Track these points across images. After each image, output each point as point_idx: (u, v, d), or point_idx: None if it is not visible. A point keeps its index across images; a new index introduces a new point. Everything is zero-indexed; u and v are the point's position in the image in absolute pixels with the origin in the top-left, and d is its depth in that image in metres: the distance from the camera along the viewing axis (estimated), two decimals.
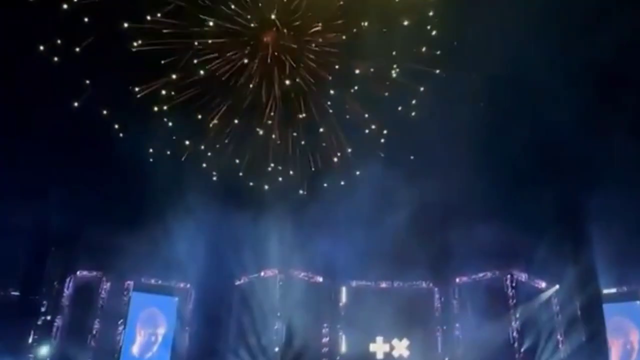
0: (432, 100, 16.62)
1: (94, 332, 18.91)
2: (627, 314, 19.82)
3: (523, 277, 20.18)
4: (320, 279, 20.32)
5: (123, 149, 16.46)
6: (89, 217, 17.67)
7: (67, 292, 19.28)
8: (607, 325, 19.04)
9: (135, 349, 19.74)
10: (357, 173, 17.70)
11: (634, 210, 17.43)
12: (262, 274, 19.86)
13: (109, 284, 19.67)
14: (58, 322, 18.82)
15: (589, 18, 14.64)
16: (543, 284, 20.34)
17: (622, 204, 17.25)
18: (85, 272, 19.67)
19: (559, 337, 19.32)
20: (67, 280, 19.32)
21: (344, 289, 20.57)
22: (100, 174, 16.97)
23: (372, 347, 19.86)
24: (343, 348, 19.82)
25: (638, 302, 20.14)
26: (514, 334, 18.95)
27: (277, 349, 18.75)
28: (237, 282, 20.35)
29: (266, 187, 17.52)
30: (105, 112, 15.56)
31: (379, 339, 19.93)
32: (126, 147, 16.43)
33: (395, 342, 19.98)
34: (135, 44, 14.10)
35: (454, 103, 16.69)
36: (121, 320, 19.43)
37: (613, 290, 20.05)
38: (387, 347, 19.91)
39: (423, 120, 17.48)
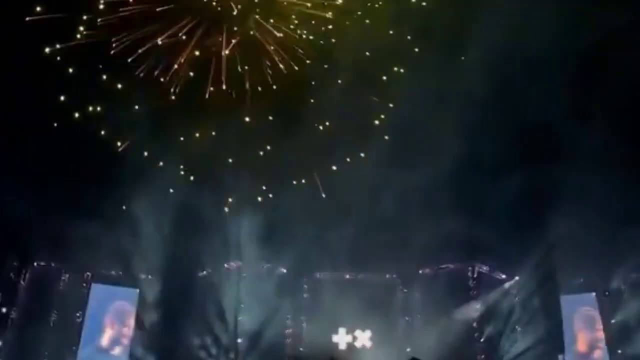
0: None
1: (51, 324, 18.52)
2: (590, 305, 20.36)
3: (485, 268, 20.45)
4: (284, 271, 20.22)
5: (82, 137, 16.18)
6: (46, 207, 17.02)
7: (23, 283, 18.79)
8: (575, 315, 19.71)
9: (104, 341, 19.47)
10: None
11: (593, 204, 17.30)
12: (226, 265, 19.67)
13: (67, 275, 19.27)
14: (13, 314, 18.29)
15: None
16: (504, 276, 20.60)
17: (583, 198, 17.36)
18: (42, 263, 19.23)
19: (517, 327, 19.62)
20: (23, 271, 18.84)
21: (307, 281, 20.58)
22: (58, 163, 16.52)
23: (335, 338, 19.92)
24: (306, 339, 19.83)
25: (593, 293, 20.50)
26: (475, 324, 19.27)
27: (239, 340, 18.69)
28: (201, 274, 20.10)
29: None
30: (62, 98, 15.28)
31: (342, 330, 20.00)
32: (86, 135, 16.20)
33: (358, 332, 20.07)
34: None
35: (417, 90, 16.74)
36: (80, 312, 19.05)
37: (571, 281, 20.28)
38: (349, 338, 19.98)
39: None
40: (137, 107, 16.47)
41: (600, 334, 20.01)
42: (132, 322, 19.91)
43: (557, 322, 19.19)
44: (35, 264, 19.20)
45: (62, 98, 15.92)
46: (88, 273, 19.56)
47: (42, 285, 18.99)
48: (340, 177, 18.78)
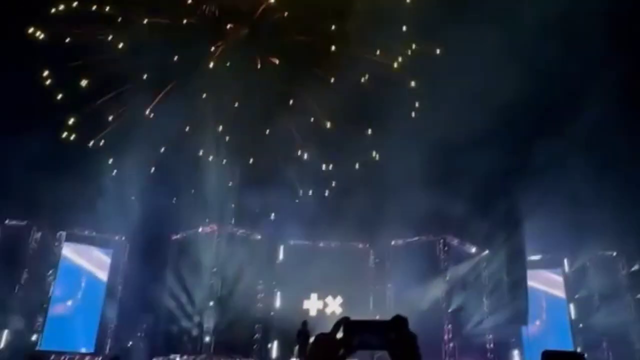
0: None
1: (22, 281, 18.22)
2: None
3: (455, 241, 20.81)
4: (259, 237, 20.25)
5: (55, 96, 15.91)
6: (18, 164, 16.66)
7: None
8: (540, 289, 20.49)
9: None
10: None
11: (563, 180, 18.07)
12: (200, 229, 19.54)
13: (39, 234, 18.94)
14: None
15: None
16: (473, 249, 20.99)
17: (553, 174, 18.10)
18: (14, 221, 18.86)
19: (484, 299, 20.10)
20: None
21: (281, 247, 20.63)
22: (33, 121, 16.16)
23: (306, 304, 20.11)
24: (277, 304, 19.96)
25: (559, 269, 21.59)
26: (444, 294, 19.50)
27: (211, 304, 18.63)
28: (174, 237, 20.02)
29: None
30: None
31: (314, 295, 20.20)
32: (58, 93, 15.93)
33: (329, 299, 20.31)
34: None
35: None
36: (51, 271, 18.85)
37: (538, 257, 21.28)
38: (320, 304, 20.18)
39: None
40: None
41: (565, 308, 21.01)
42: (104, 283, 19.81)
43: (523, 295, 19.58)
44: (6, 221, 18.80)
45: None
46: (61, 232, 19.27)
47: (14, 243, 18.61)
48: (320, 147, 19.12)
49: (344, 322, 2.41)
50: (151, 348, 18.68)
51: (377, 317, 18.55)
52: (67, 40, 16.07)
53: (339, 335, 2.38)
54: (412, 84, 18.50)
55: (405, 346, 2.40)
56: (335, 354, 2.35)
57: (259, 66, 17.59)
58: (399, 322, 2.44)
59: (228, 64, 17.55)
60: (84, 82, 16.34)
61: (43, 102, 16.52)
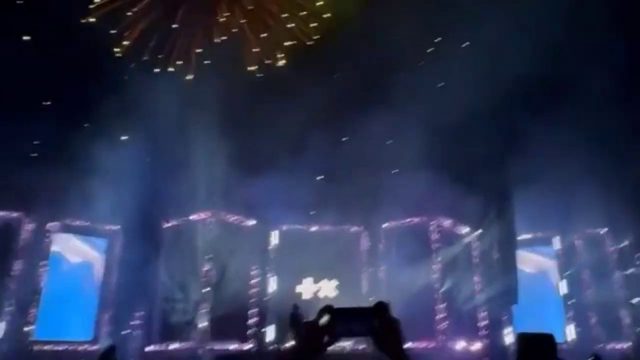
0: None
1: (15, 272, 18.13)
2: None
3: (447, 222, 20.98)
4: (251, 223, 20.32)
5: (43, 79, 15.68)
6: (10, 154, 16.48)
7: None
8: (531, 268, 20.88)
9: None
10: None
11: (552, 159, 18.47)
12: (193, 216, 19.57)
13: (31, 225, 18.81)
14: None
15: None
16: (465, 230, 21.21)
17: (543, 153, 18.36)
18: (4, 213, 18.70)
19: (476, 278, 20.34)
20: None
21: (274, 233, 20.70)
22: (20, 112, 16.00)
23: (299, 288, 20.24)
24: (271, 289, 20.06)
25: (549, 247, 21.97)
26: (436, 275, 19.71)
27: (206, 290, 18.70)
28: (167, 225, 20.00)
29: None
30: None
31: (307, 280, 20.33)
32: (47, 78, 15.75)
33: (323, 282, 20.43)
34: None
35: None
36: (44, 262, 18.76)
37: (528, 235, 21.53)
38: (314, 288, 20.31)
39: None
40: None
41: (554, 286, 21.40)
42: (98, 272, 19.82)
43: (514, 273, 19.92)
44: None
45: None
46: (53, 223, 19.16)
47: (5, 235, 18.50)
48: (310, 132, 18.99)
49: (327, 310, 2.47)
50: (147, 335, 18.77)
51: (371, 299, 19.15)
52: None
53: (322, 322, 2.44)
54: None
55: (389, 331, 2.45)
56: (319, 341, 2.42)
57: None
58: (380, 308, 2.48)
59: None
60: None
61: (35, 89, 16.31)
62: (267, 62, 19.90)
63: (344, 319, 2.45)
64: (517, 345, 4.30)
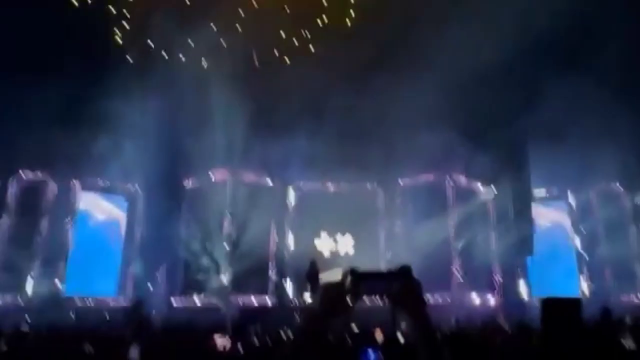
0: None
1: (42, 231, 18.65)
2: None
3: (462, 178, 21.06)
4: (269, 181, 20.60)
5: (65, 44, 15.78)
6: (31, 115, 16.67)
7: (11, 191, 18.71)
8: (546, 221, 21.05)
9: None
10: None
11: (568, 114, 18.10)
12: (213, 175, 19.84)
13: (54, 185, 19.25)
14: (3, 223, 18.35)
15: None
16: (480, 185, 21.28)
17: (558, 108, 17.99)
18: (29, 173, 19.12)
19: (491, 232, 20.61)
20: (11, 180, 18.72)
21: (292, 191, 20.98)
22: (42, 72, 16.00)
23: (318, 244, 20.57)
24: (291, 246, 20.44)
25: (564, 202, 22.10)
26: (452, 230, 19.92)
27: (226, 245, 19.12)
28: (188, 183, 20.37)
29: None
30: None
31: (324, 233, 20.66)
32: (68, 42, 15.85)
33: (340, 239, 20.74)
34: None
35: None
36: (69, 219, 19.25)
37: (543, 190, 21.75)
38: (332, 244, 20.65)
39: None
40: None
41: (569, 240, 21.58)
42: (122, 229, 20.35)
43: (529, 228, 20.12)
44: (21, 173, 19.05)
45: None
46: (76, 181, 19.53)
47: (30, 195, 18.96)
48: (324, 89, 18.70)
49: (350, 271, 2.51)
50: (171, 290, 19.36)
51: (389, 255, 20.15)
52: None
53: (347, 283, 2.47)
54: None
55: (410, 295, 2.50)
56: (344, 301, 2.48)
57: None
58: (403, 271, 2.52)
59: None
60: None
61: (57, 51, 16.36)
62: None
63: (367, 280, 2.50)
64: (541, 311, 4.19)
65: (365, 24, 19.26)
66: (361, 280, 2.49)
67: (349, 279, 2.48)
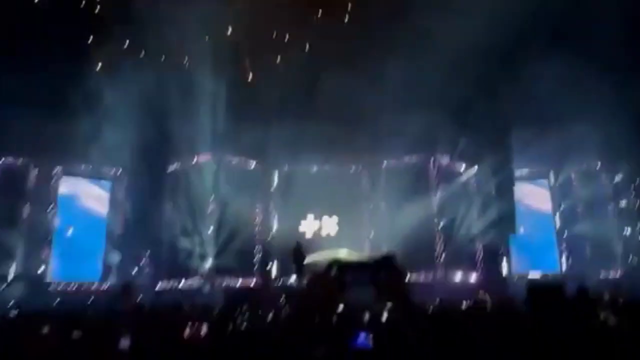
0: None
1: (24, 216, 18.53)
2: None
3: (445, 159, 21.09)
4: (253, 163, 20.55)
5: (47, 26, 15.57)
6: (13, 100, 16.17)
7: None
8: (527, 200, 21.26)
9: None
10: None
11: (549, 93, 18.15)
12: (195, 159, 19.72)
13: (36, 170, 19.10)
14: None
15: None
16: (463, 165, 21.39)
17: (539, 87, 17.92)
18: (10, 159, 18.93)
19: (474, 212, 20.66)
20: None
21: (276, 173, 20.96)
22: (23, 57, 15.87)
23: (303, 226, 20.56)
24: (275, 227, 20.51)
25: (545, 181, 22.45)
26: (435, 211, 20.07)
27: (210, 229, 19.06)
28: (170, 167, 20.23)
29: None
30: None
31: (310, 216, 20.64)
32: (50, 26, 15.54)
33: (325, 219, 20.74)
34: None
35: None
36: (52, 205, 19.12)
37: (525, 170, 21.90)
38: (316, 225, 20.64)
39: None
40: None
41: (550, 218, 21.96)
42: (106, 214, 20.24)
43: (511, 207, 20.30)
44: (3, 159, 18.87)
45: None
46: (58, 167, 19.42)
47: (12, 181, 18.76)
48: (309, 72, 18.75)
49: (335, 262, 2.60)
50: (156, 274, 19.30)
51: (372, 235, 20.24)
52: None
53: (333, 273, 2.57)
54: None
55: (395, 283, 2.58)
56: (332, 291, 2.58)
57: None
58: (387, 260, 2.60)
59: None
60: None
61: (38, 34, 16.11)
62: None
63: (351, 270, 2.59)
64: (527, 292, 4.36)
65: (352, 5, 19.06)
66: (345, 270, 2.57)
67: (334, 270, 2.55)
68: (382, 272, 2.56)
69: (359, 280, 2.57)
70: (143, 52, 18.06)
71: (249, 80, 19.31)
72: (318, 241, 19.72)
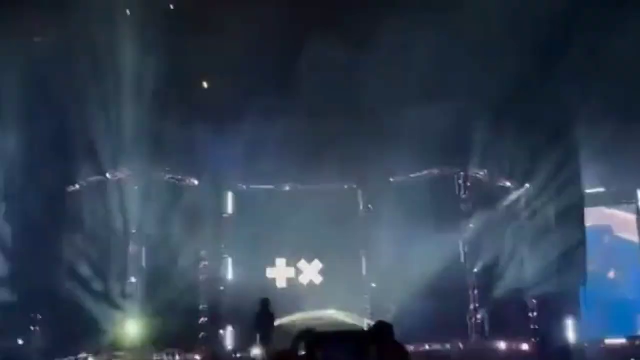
0: None
1: None
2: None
3: (480, 174, 17.67)
4: (196, 182, 16.62)
5: None
6: None
7: None
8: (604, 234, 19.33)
9: None
10: None
11: (626, 92, 15.51)
12: (108, 176, 15.63)
13: None
14: None
15: None
16: (508, 183, 17.86)
17: (610, 85, 15.10)
18: None
19: (524, 251, 17.07)
20: None
21: (230, 195, 16.97)
22: None
23: (270, 273, 16.91)
24: (229, 275, 16.60)
25: (630, 204, 18.91)
26: (465, 248, 16.87)
27: (133, 280, 15.12)
28: (72, 188, 15.91)
29: None
30: None
31: (280, 261, 17.04)
32: None
33: (302, 264, 17.15)
34: None
35: None
36: None
37: (600, 189, 18.45)
38: (291, 272, 17.15)
39: None
40: None
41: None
42: None
43: (580, 241, 16.86)
44: None
45: None
46: None
47: None
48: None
49: (305, 336, 1.48)
50: (50, 346, 14.71)
51: (373, 285, 16.49)
52: None
53: (302, 351, 1.62)
54: None
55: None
56: None
57: None
58: (381, 331, 2.29)
59: None
60: None
61: None
62: None
63: (326, 345, 1.81)
64: None
65: None
66: (321, 345, 2.03)
67: (301, 345, 1.99)
68: (373, 346, 2.15)
69: (338, 357, 1.83)
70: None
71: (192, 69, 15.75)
72: (295, 293, 16.60)
